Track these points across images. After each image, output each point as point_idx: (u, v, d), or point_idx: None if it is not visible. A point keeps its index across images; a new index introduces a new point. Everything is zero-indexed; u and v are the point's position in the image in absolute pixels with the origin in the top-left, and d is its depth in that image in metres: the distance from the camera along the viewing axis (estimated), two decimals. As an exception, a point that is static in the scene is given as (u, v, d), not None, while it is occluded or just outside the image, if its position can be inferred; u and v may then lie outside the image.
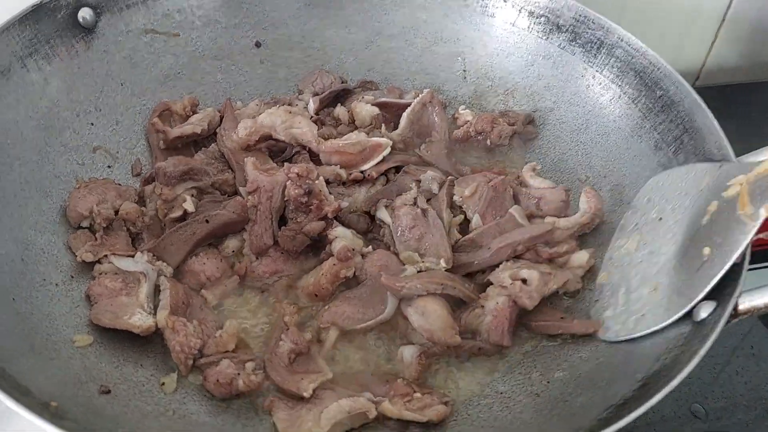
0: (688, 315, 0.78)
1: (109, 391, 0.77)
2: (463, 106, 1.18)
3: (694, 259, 0.80)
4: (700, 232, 0.82)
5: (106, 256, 0.91)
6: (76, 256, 0.91)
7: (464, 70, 1.22)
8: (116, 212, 0.96)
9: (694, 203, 0.86)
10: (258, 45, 1.22)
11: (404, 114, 1.07)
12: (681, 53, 1.55)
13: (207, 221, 0.92)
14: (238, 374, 0.80)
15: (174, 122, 1.10)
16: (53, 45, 1.03)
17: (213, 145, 1.07)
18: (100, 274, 0.90)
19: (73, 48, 1.06)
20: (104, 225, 0.93)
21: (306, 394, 0.80)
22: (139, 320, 0.83)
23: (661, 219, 0.90)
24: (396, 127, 1.08)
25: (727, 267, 0.75)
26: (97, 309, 0.85)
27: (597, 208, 0.99)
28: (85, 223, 0.95)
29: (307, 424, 0.77)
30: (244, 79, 1.20)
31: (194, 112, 1.11)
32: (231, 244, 0.95)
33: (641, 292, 0.85)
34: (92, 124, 1.06)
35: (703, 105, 0.97)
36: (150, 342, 0.84)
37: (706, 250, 0.79)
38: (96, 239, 0.93)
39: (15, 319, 0.79)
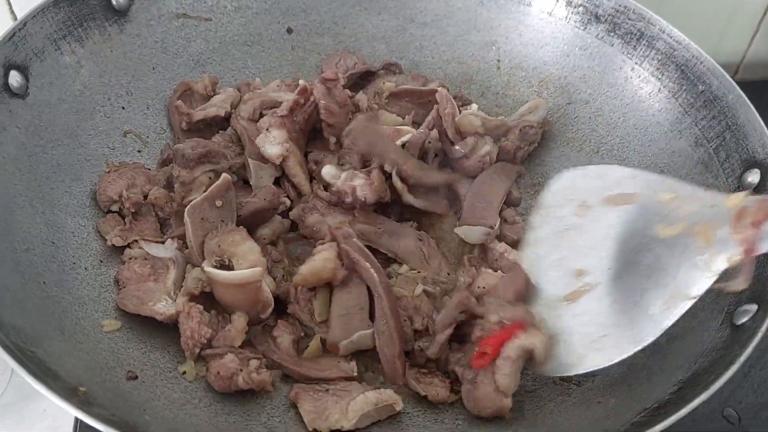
0: (728, 319, 0.75)
1: (136, 377, 0.77)
2: (473, 112, 1.07)
3: (633, 297, 0.73)
4: (641, 266, 0.74)
5: (136, 241, 0.91)
6: (106, 240, 0.91)
7: (498, 60, 1.20)
8: (145, 197, 0.96)
9: (625, 220, 0.78)
10: (290, 31, 1.21)
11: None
12: (720, 46, 1.50)
13: (238, 215, 0.91)
14: (240, 370, 0.78)
15: (195, 102, 1.09)
16: (86, 28, 1.03)
17: (230, 128, 1.07)
18: (130, 258, 0.90)
19: (106, 31, 1.05)
20: (133, 210, 0.93)
21: (355, 372, 0.82)
22: (164, 307, 0.83)
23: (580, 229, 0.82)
24: (419, 115, 1.07)
25: (678, 315, 0.70)
26: (123, 294, 0.86)
27: None
28: (114, 208, 0.95)
29: (335, 416, 0.76)
30: (274, 65, 1.19)
31: (215, 92, 1.11)
32: (264, 233, 0.94)
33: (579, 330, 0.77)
34: (123, 108, 1.06)
35: (748, 101, 0.94)
36: (177, 329, 0.83)
37: (653, 294, 0.72)
38: (125, 224, 0.93)
39: (46, 302, 0.80)
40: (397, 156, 0.95)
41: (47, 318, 0.77)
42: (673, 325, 0.82)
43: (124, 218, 0.94)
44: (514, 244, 0.97)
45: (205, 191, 0.90)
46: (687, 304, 0.70)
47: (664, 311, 0.71)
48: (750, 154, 0.90)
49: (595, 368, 0.75)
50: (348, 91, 1.01)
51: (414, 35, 1.22)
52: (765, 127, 0.90)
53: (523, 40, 1.18)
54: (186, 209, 0.87)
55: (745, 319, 0.73)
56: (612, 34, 1.11)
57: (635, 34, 1.08)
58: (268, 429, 0.77)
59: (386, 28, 1.22)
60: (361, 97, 1.10)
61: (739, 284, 0.67)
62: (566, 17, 1.15)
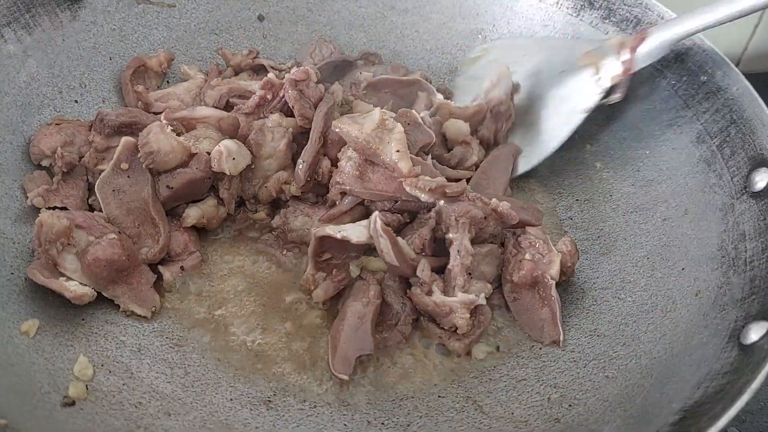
0: (734, 337, 0.67)
1: (73, 403, 0.69)
2: (452, 111, 0.98)
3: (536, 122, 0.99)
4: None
5: (56, 207, 0.84)
6: (27, 198, 0.84)
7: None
8: (80, 158, 0.89)
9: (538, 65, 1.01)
10: (261, 18, 1.13)
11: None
12: (721, 36, 1.42)
13: (169, 187, 0.84)
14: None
15: (149, 79, 1.02)
16: (35, 14, 0.95)
17: None
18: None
19: (57, 18, 0.97)
20: (64, 170, 0.87)
21: None
22: (74, 286, 0.77)
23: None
24: (397, 106, 0.97)
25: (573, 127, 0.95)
26: (36, 264, 0.78)
27: (566, 265, 0.84)
28: (45, 163, 0.89)
29: None
30: (244, 56, 1.10)
31: (169, 67, 1.04)
32: (192, 213, 0.87)
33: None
34: (76, 101, 0.98)
35: (755, 93, 0.86)
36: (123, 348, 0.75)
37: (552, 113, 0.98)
38: (52, 183, 0.86)
39: (-25, 318, 0.72)
40: None
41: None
42: (673, 341, 0.76)
43: (52, 176, 0.88)
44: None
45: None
46: (581, 117, 0.95)
47: (563, 126, 0.97)
48: (758, 151, 0.82)
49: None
50: (321, 86, 0.92)
51: (394, 23, 1.14)
52: (774, 122, 0.82)
53: (511, 28, 1.10)
54: (96, 185, 0.84)
55: (755, 339, 0.65)
56: (606, 20, 1.03)
57: (631, 21, 1.00)
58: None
59: (365, 16, 1.14)
60: (336, 88, 1.02)
61: (617, 98, 0.94)
62: (558, 3, 1.07)
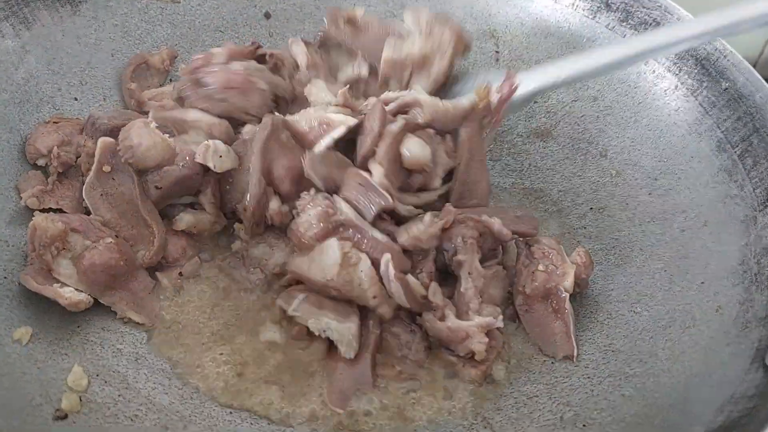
0: (758, 358, 0.64)
1: (65, 416, 0.66)
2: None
3: None
4: None
5: (51, 209, 0.82)
6: (21, 198, 0.82)
7: (496, 51, 1.09)
8: (77, 158, 0.86)
9: None
10: (267, 16, 1.10)
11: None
12: (736, 40, 1.39)
13: (157, 187, 0.80)
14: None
15: (151, 77, 1.00)
16: (34, 8, 0.93)
17: None
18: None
19: (57, 12, 0.95)
20: (60, 170, 0.84)
21: None
22: (70, 292, 0.74)
23: None
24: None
25: None
26: (30, 270, 0.75)
27: (580, 277, 0.80)
28: (41, 162, 0.86)
29: None
30: (249, 54, 1.07)
31: (172, 65, 1.01)
32: (186, 218, 0.83)
33: None
34: (76, 99, 0.95)
35: (779, 101, 0.83)
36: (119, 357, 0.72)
37: None
38: (47, 184, 0.84)
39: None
40: None
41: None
42: (693, 360, 0.72)
43: (47, 176, 0.85)
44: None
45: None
46: None
47: None
48: (782, 161, 0.79)
49: None
50: (254, 63, 0.86)
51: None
52: (800, 132, 0.79)
53: (524, 29, 1.08)
54: (83, 191, 0.81)
55: (782, 361, 0.62)
56: (624, 23, 1.00)
57: (650, 24, 0.98)
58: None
59: (375, 15, 1.11)
60: (299, 51, 0.92)
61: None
62: (573, 4, 1.04)
